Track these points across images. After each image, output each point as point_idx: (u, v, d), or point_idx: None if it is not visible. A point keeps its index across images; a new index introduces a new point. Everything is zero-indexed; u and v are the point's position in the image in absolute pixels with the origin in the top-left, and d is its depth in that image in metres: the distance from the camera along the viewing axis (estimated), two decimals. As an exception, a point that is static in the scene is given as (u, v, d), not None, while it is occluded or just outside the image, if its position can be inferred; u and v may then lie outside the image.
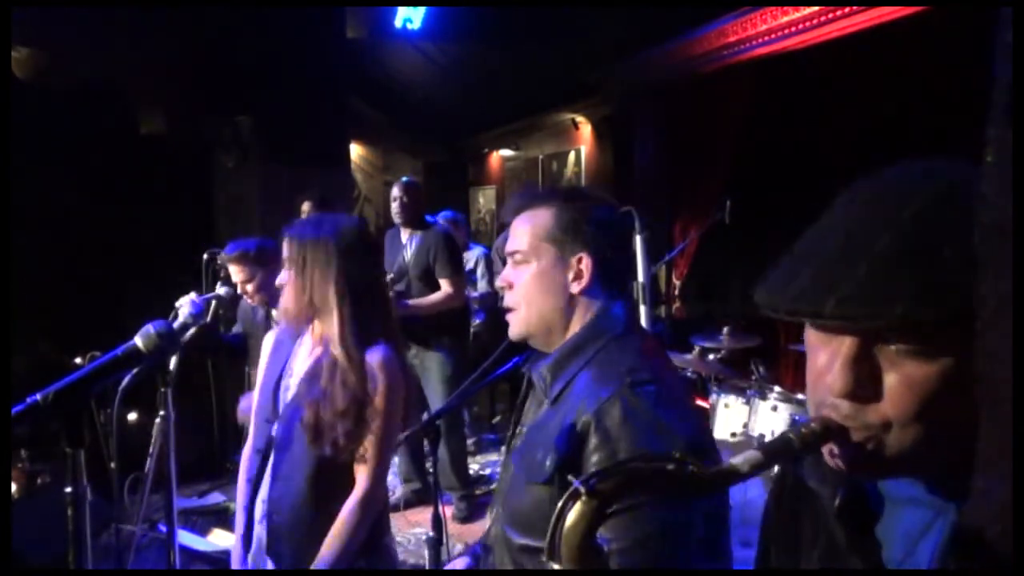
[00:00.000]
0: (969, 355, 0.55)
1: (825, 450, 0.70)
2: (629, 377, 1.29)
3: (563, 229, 1.40)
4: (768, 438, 3.81)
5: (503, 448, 1.61)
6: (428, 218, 4.54)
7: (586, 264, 1.39)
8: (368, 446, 1.89)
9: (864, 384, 0.66)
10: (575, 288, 1.40)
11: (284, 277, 1.97)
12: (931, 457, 0.67)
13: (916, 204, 0.65)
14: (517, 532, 1.37)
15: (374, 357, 1.91)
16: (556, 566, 0.68)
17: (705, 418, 1.52)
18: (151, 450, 1.91)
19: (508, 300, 1.46)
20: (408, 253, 4.35)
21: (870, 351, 0.66)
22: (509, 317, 1.46)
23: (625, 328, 1.41)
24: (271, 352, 2.15)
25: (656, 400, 1.27)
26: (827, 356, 0.69)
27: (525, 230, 1.43)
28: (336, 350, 1.89)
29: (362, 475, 1.90)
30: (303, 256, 1.93)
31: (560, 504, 0.68)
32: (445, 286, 4.28)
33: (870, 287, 0.63)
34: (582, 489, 0.67)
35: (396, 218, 4.41)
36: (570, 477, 0.69)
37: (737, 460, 0.68)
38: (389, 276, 4.19)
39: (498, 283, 1.50)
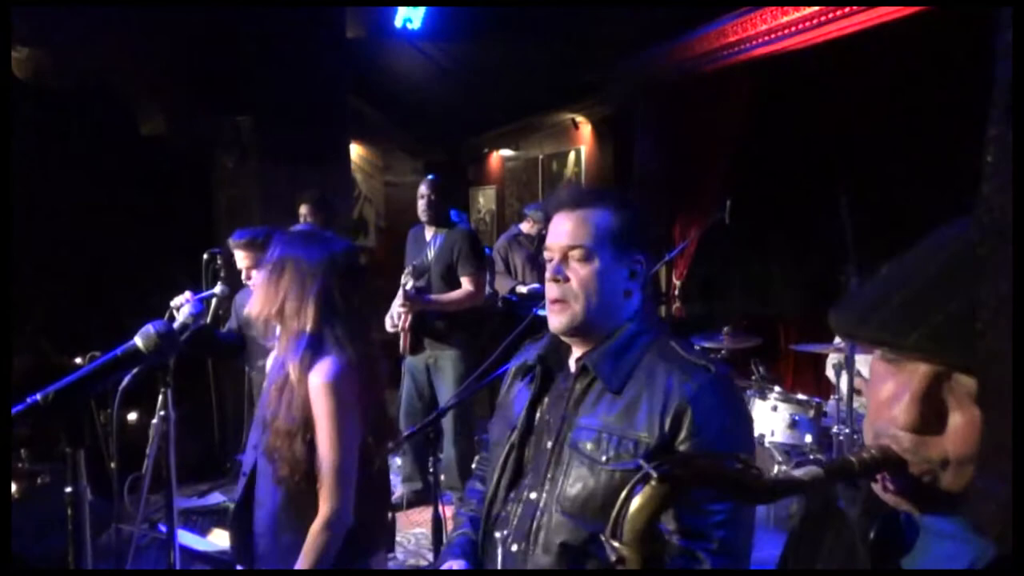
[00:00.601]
0: None
1: (877, 485, 0.71)
2: (714, 368, 1.41)
3: (624, 230, 1.49)
4: (768, 438, 3.82)
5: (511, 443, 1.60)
6: (452, 216, 4.51)
7: (644, 265, 1.51)
8: (323, 470, 1.83)
9: (930, 420, 0.67)
10: (631, 286, 1.50)
11: (257, 279, 1.94)
12: None
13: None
14: (585, 521, 1.38)
15: (318, 377, 1.83)
16: (616, 544, 0.70)
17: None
18: (148, 450, 1.90)
19: (559, 293, 1.49)
20: (432, 251, 4.33)
21: (940, 388, 0.67)
22: (557, 307, 1.49)
23: (660, 325, 1.54)
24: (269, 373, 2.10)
25: (734, 389, 1.45)
26: (895, 387, 0.70)
27: (585, 227, 1.48)
28: (290, 368, 1.85)
29: (322, 500, 1.84)
30: (284, 266, 1.88)
31: (629, 486, 0.69)
32: (466, 284, 4.26)
33: (955, 327, 0.62)
34: (654, 474, 0.68)
35: (422, 216, 4.37)
36: (641, 461, 0.71)
37: (798, 472, 0.70)
38: (408, 270, 4.19)
39: (549, 275, 1.51)
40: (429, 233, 4.39)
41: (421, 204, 4.36)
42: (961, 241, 0.69)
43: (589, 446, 1.42)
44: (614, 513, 0.70)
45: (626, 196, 1.59)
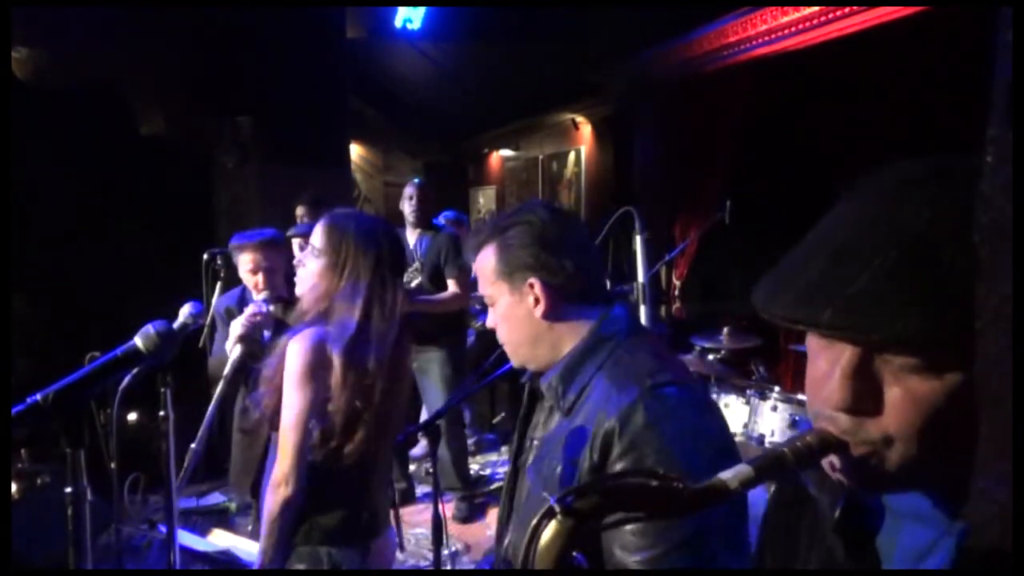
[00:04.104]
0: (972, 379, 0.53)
1: (826, 463, 0.68)
2: (649, 380, 1.25)
3: (506, 263, 1.38)
4: (768, 438, 3.83)
5: (503, 448, 1.58)
6: (434, 220, 4.58)
7: (538, 288, 1.35)
8: (281, 430, 1.86)
9: (863, 398, 0.63)
10: (538, 312, 1.36)
11: (312, 263, 1.96)
12: (935, 472, 0.64)
13: (927, 212, 0.61)
14: None
15: (301, 338, 1.88)
16: None
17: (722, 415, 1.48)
18: (195, 445, 1.94)
19: (500, 338, 1.46)
20: (419, 253, 4.39)
21: (871, 363, 0.63)
22: (506, 352, 1.47)
23: (630, 330, 1.37)
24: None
25: (680, 402, 1.24)
26: (826, 364, 0.66)
27: (480, 274, 1.44)
28: (335, 351, 1.89)
29: (278, 461, 1.87)
30: (346, 255, 1.93)
31: (534, 522, 0.65)
32: (453, 286, 4.31)
33: (871, 299, 0.60)
34: (557, 507, 0.64)
35: (409, 217, 4.43)
36: (544, 494, 0.68)
37: (727, 475, 0.65)
38: (415, 266, 4.22)
39: (489, 324, 1.48)
40: (412, 236, 4.42)
41: (409, 206, 4.41)
42: (870, 200, 0.65)
43: (540, 471, 1.35)
44: (522, 553, 0.66)
45: (511, 218, 1.41)
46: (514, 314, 1.38)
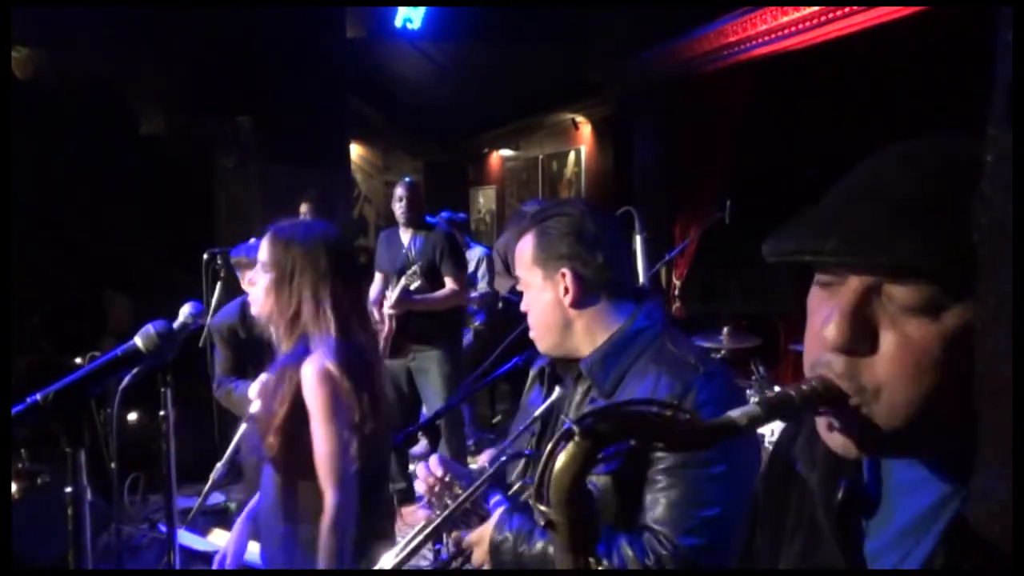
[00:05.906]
0: (970, 325, 0.55)
1: (822, 424, 0.69)
2: (703, 367, 1.38)
3: (543, 250, 1.47)
4: (768, 438, 3.82)
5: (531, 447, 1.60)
6: (428, 219, 4.57)
7: (569, 278, 1.44)
8: (319, 462, 1.80)
9: (860, 338, 0.64)
10: (567, 301, 1.45)
11: (262, 280, 1.91)
12: (928, 432, 0.65)
13: (942, 159, 0.65)
14: None
15: (310, 367, 1.79)
16: (543, 508, 0.67)
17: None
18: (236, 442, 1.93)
19: (529, 322, 1.53)
20: (413, 252, 4.38)
21: (871, 303, 0.65)
22: (532, 336, 1.54)
23: (666, 323, 1.48)
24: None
25: (725, 388, 1.39)
26: (828, 311, 0.68)
27: (517, 259, 1.52)
28: (315, 364, 1.82)
29: (327, 494, 1.80)
30: (291, 264, 1.87)
31: (551, 445, 0.66)
32: (450, 283, 4.31)
33: (876, 228, 0.62)
34: (576, 429, 0.65)
35: (400, 218, 4.42)
36: (563, 416, 0.68)
37: (735, 413, 0.67)
38: (413, 270, 4.20)
39: (523, 308, 1.56)
40: (406, 235, 4.41)
41: (399, 206, 4.38)
42: (888, 156, 0.69)
43: None
44: (538, 475, 0.67)
45: (553, 209, 1.51)
46: (544, 300, 1.48)
